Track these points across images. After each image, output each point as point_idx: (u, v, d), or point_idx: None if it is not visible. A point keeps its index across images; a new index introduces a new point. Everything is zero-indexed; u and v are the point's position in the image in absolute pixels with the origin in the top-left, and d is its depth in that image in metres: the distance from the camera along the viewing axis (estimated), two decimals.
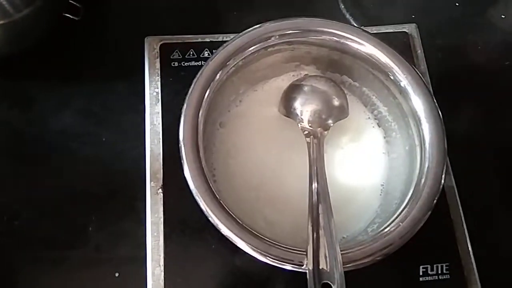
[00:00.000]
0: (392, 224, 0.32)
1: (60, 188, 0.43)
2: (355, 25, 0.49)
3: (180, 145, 0.34)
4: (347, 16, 0.49)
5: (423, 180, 0.33)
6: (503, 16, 0.55)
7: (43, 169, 0.44)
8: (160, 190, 0.40)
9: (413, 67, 0.36)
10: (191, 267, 0.38)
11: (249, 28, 0.38)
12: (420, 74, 0.36)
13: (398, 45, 0.46)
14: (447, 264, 0.39)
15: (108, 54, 0.48)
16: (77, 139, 0.45)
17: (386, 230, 0.32)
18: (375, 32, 0.46)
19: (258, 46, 0.37)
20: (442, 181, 0.34)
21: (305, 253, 0.31)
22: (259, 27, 0.37)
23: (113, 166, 0.44)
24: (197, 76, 0.35)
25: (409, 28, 0.47)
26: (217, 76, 0.35)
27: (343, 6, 0.50)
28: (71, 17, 0.45)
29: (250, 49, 0.36)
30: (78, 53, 0.48)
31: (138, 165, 0.42)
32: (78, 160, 0.44)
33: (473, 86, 0.50)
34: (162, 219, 0.39)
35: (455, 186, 0.42)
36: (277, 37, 0.37)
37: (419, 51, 0.46)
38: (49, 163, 0.44)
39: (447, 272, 0.38)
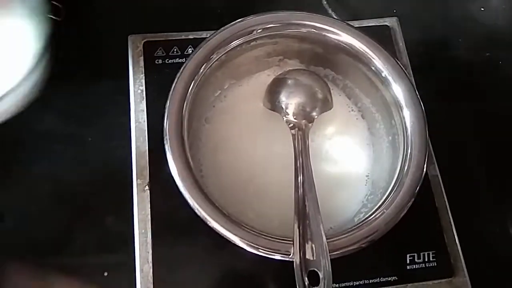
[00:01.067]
0: (376, 212, 0.33)
1: (45, 190, 0.43)
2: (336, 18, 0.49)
3: (164, 140, 0.34)
4: (330, 11, 0.50)
5: (406, 168, 0.34)
6: (482, 9, 0.56)
7: (27, 172, 0.43)
8: (147, 187, 0.40)
9: (392, 57, 0.37)
10: (179, 263, 0.38)
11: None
12: (399, 63, 0.37)
13: (380, 39, 0.46)
14: (433, 252, 0.39)
15: (92, 54, 0.47)
16: (61, 140, 0.44)
17: (370, 217, 0.33)
18: (356, 26, 0.46)
19: (240, 40, 0.37)
20: (425, 168, 0.34)
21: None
22: (241, 21, 0.37)
23: (99, 166, 0.44)
24: (180, 71, 0.35)
25: (390, 22, 0.48)
26: (201, 71, 0.36)
27: (325, 2, 0.50)
28: (53, 17, 0.45)
29: (233, 43, 0.37)
30: (61, 54, 0.48)
31: (125, 163, 0.42)
32: (63, 161, 0.44)
33: (455, 78, 0.51)
34: (149, 216, 0.39)
35: (439, 175, 0.42)
36: (259, 30, 0.37)
37: (401, 44, 0.47)
38: (33, 166, 0.44)
39: (434, 260, 0.39)
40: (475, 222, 0.44)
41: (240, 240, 0.32)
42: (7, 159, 0.44)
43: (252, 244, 0.31)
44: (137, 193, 0.40)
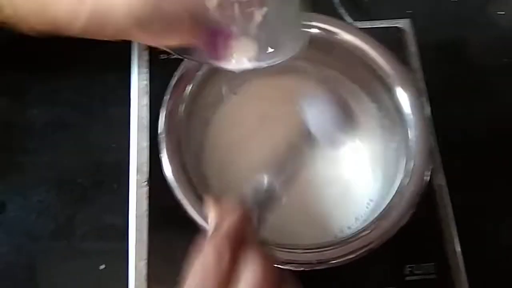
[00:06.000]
0: (374, 223, 0.32)
1: (46, 179, 0.43)
2: (349, 20, 0.48)
3: (159, 138, 0.34)
4: (341, 10, 0.49)
5: (407, 179, 0.33)
6: (502, 13, 0.54)
7: (30, 161, 0.44)
8: (146, 183, 0.39)
9: (398, 61, 0.36)
10: (175, 261, 0.37)
11: None
12: (405, 68, 0.35)
13: (391, 41, 0.45)
14: (433, 263, 0.38)
15: (98, 46, 0.47)
16: (64, 130, 0.45)
17: (367, 228, 0.32)
18: (368, 27, 0.45)
19: None
20: (426, 180, 0.33)
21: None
22: None
23: (99, 158, 0.44)
24: (180, 67, 0.35)
25: (403, 24, 0.47)
26: (201, 70, 0.35)
27: (337, 1, 0.49)
28: None
29: None
30: (68, 45, 0.47)
31: (125, 157, 0.41)
32: (65, 151, 0.44)
33: (469, 83, 0.50)
34: (147, 213, 0.39)
35: (445, 185, 0.41)
36: None
37: (412, 47, 0.46)
38: (36, 155, 0.44)
39: (434, 272, 0.38)
40: (481, 235, 0.42)
41: None
42: (10, 147, 0.45)
43: None
44: (136, 189, 0.39)
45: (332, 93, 0.35)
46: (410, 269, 0.38)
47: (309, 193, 0.37)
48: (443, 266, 0.38)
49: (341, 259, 0.31)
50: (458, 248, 0.39)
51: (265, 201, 0.29)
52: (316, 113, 0.32)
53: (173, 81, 0.35)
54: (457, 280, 0.38)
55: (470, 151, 0.46)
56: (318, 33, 0.37)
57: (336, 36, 0.37)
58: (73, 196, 0.43)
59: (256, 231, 0.27)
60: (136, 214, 0.39)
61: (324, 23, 0.36)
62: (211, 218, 0.27)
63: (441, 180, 0.41)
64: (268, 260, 0.25)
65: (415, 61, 0.45)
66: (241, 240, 0.25)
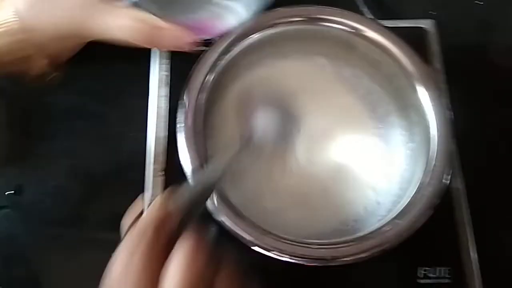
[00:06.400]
0: (390, 222, 0.31)
1: (63, 165, 0.44)
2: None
3: (177, 128, 0.34)
4: (363, 9, 0.48)
5: (427, 180, 0.32)
6: None
7: (49, 146, 0.44)
8: (162, 173, 0.40)
9: (421, 60, 0.35)
10: None
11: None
12: (428, 67, 0.35)
13: (413, 41, 0.44)
14: (448, 268, 0.37)
15: None
16: (82, 118, 0.45)
17: (383, 227, 0.31)
18: (390, 26, 0.45)
19: (262, 33, 0.36)
20: (447, 181, 0.33)
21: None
22: (267, 13, 0.36)
23: (117, 147, 0.44)
24: (200, 58, 0.35)
25: (426, 24, 0.46)
26: (221, 61, 0.35)
27: None
28: None
29: (255, 35, 0.36)
30: None
31: (142, 147, 0.42)
32: (83, 139, 0.45)
33: (492, 87, 0.49)
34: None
35: (464, 189, 0.40)
36: (284, 24, 0.36)
37: (435, 48, 0.45)
38: (54, 141, 0.45)
39: (448, 276, 0.37)
40: (498, 241, 0.42)
41: (248, 237, 0.31)
42: (31, 133, 0.45)
43: (258, 243, 0.31)
44: (152, 178, 0.40)
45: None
46: (424, 272, 0.37)
47: (314, 182, 0.37)
48: (457, 271, 0.38)
49: (355, 257, 0.31)
50: (474, 254, 0.39)
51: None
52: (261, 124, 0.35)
53: (193, 71, 0.35)
54: (471, 286, 0.38)
55: (490, 155, 0.45)
56: (339, 28, 0.37)
57: (358, 32, 0.37)
58: (89, 183, 0.43)
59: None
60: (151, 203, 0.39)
61: (347, 18, 0.36)
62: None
63: (459, 184, 0.40)
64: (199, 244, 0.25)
65: (437, 62, 0.44)
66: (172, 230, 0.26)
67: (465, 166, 0.41)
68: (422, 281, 0.37)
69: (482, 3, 0.53)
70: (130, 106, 0.45)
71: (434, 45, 0.45)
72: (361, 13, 0.48)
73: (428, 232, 0.38)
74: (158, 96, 0.42)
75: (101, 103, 0.46)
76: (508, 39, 0.52)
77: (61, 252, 0.41)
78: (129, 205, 0.41)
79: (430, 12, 0.50)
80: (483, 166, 0.44)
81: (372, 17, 0.48)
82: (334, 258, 0.31)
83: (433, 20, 0.47)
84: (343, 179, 0.38)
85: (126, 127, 0.44)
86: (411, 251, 0.38)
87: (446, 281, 0.37)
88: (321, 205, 0.37)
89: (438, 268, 0.37)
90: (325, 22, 0.36)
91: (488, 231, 0.40)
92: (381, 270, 0.37)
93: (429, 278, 0.37)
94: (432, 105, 0.34)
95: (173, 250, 0.25)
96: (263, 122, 0.37)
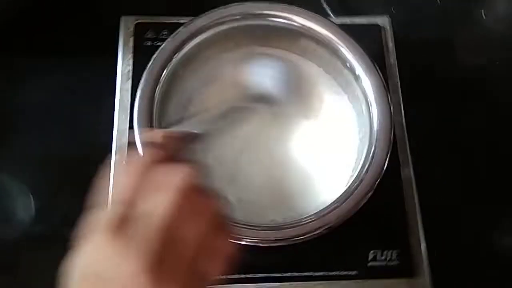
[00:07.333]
0: (331, 205, 0.33)
1: (33, 156, 0.45)
2: (331, 15, 0.50)
3: (134, 120, 0.35)
4: (324, 5, 0.50)
5: (367, 165, 0.34)
6: (484, 14, 0.55)
7: (19, 138, 0.46)
8: (125, 163, 0.41)
9: (366, 53, 0.37)
10: None
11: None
12: (371, 59, 0.37)
13: (370, 37, 0.47)
14: (396, 251, 0.39)
15: (90, 32, 0.49)
16: (54, 111, 0.47)
17: (324, 210, 0.33)
18: (348, 23, 0.47)
19: (215, 29, 0.38)
20: (385, 166, 0.35)
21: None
22: (220, 8, 0.38)
23: (86, 140, 0.46)
24: (156, 53, 0.37)
25: (382, 20, 0.48)
26: (177, 55, 0.37)
27: None
28: None
29: (208, 31, 0.38)
30: (61, 30, 0.50)
31: (108, 138, 0.43)
32: (53, 132, 0.46)
33: (444, 82, 0.51)
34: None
35: (413, 179, 0.42)
36: (234, 20, 0.38)
37: (390, 44, 0.47)
38: (25, 133, 0.46)
39: (396, 259, 0.39)
40: (445, 228, 0.44)
41: None
42: (1, 126, 0.47)
43: None
44: (116, 167, 0.41)
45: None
46: (373, 254, 0.39)
47: (276, 173, 0.39)
48: (405, 254, 0.40)
49: (298, 238, 0.32)
50: (422, 238, 0.41)
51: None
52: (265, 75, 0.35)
53: (149, 65, 0.36)
54: (418, 268, 0.40)
55: (441, 148, 0.47)
56: (287, 23, 0.39)
57: (310, 29, 0.39)
58: (57, 175, 0.44)
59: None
60: (114, 191, 0.40)
61: (295, 14, 0.38)
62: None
63: (409, 174, 0.42)
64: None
65: (391, 57, 0.46)
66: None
67: (416, 159, 0.43)
68: (371, 263, 0.39)
69: (439, 2, 0.55)
70: (100, 99, 0.46)
71: (389, 41, 0.47)
72: (323, 9, 0.50)
73: (380, 218, 0.41)
74: (121, 90, 0.43)
75: (72, 97, 0.47)
76: (464, 35, 0.54)
77: (29, 248, 0.42)
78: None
79: (391, 9, 0.53)
80: (434, 159, 0.46)
81: (332, 14, 0.50)
82: (277, 239, 0.33)
83: (389, 18, 0.49)
84: (297, 169, 0.40)
85: (96, 121, 0.46)
86: (362, 236, 0.40)
87: (394, 263, 0.39)
88: (277, 193, 0.39)
89: (386, 251, 0.39)
90: (274, 17, 0.38)
91: (437, 218, 0.43)
92: (333, 252, 0.39)
93: (378, 260, 0.39)
94: (375, 96, 0.36)
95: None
96: None
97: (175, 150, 0.27)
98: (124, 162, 0.26)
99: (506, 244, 0.45)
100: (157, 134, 0.28)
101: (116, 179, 0.25)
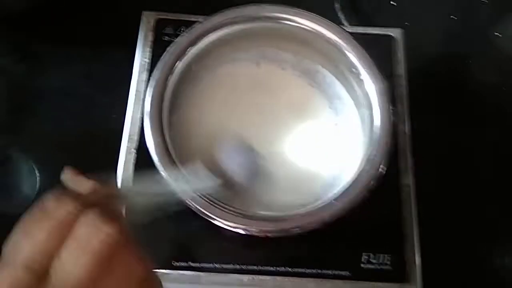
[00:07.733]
0: (327, 203, 0.34)
1: (50, 138, 0.48)
2: (345, 24, 0.51)
3: (144, 110, 0.37)
4: (339, 14, 0.51)
5: (363, 168, 0.35)
6: (499, 35, 0.56)
7: (38, 120, 0.49)
8: (134, 151, 0.43)
9: (370, 56, 0.38)
10: (152, 230, 0.40)
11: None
12: (374, 63, 0.38)
13: (381, 47, 0.48)
14: (389, 255, 0.40)
15: (109, 24, 0.52)
16: (71, 98, 0.49)
17: (320, 206, 0.34)
18: (360, 32, 0.48)
19: (229, 28, 0.40)
20: (380, 170, 0.36)
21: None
22: (233, 9, 0.40)
23: (99, 126, 0.48)
24: (170, 46, 0.39)
25: (395, 33, 0.49)
26: (191, 50, 0.39)
27: (337, 5, 0.52)
28: None
29: (222, 29, 0.40)
30: (83, 20, 0.52)
31: (120, 126, 0.45)
32: (69, 115, 0.49)
33: (453, 96, 0.52)
34: (132, 178, 0.42)
35: (413, 186, 0.43)
36: (247, 21, 0.40)
37: (400, 55, 0.48)
38: (44, 115, 0.49)
39: (389, 263, 0.40)
40: (441, 237, 0.44)
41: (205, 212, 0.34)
42: (22, 108, 0.49)
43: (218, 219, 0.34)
44: (125, 154, 0.43)
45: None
46: (366, 256, 0.40)
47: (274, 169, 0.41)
48: (398, 259, 0.40)
49: (292, 231, 0.34)
50: (416, 245, 0.41)
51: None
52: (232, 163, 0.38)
53: (163, 57, 0.38)
54: (410, 274, 0.40)
55: (445, 160, 0.48)
56: (299, 27, 0.40)
57: (318, 33, 0.40)
58: (66, 157, 0.46)
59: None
60: (122, 177, 0.42)
61: (307, 18, 0.39)
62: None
63: (408, 180, 0.43)
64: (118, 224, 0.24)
65: (400, 68, 0.47)
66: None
67: (419, 168, 0.44)
68: (364, 265, 0.40)
69: (456, 18, 0.56)
70: (116, 89, 0.48)
71: (400, 53, 0.48)
72: (338, 19, 0.52)
73: (377, 222, 0.41)
74: (138, 81, 0.45)
75: (89, 85, 0.50)
76: (478, 53, 0.55)
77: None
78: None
79: (405, 23, 0.54)
80: (434, 167, 0.47)
81: (347, 23, 0.51)
82: (270, 231, 0.34)
83: (402, 30, 0.50)
84: (300, 167, 0.42)
85: (111, 109, 0.48)
86: (357, 238, 0.41)
87: (387, 267, 0.40)
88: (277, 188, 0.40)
89: (379, 254, 0.40)
90: (287, 21, 0.40)
91: (433, 227, 0.43)
92: (327, 251, 0.40)
93: (371, 263, 0.40)
94: (378, 102, 0.37)
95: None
96: None
97: (102, 200, 0.27)
98: (42, 208, 0.24)
99: (503, 260, 0.46)
100: (86, 185, 0.27)
101: (32, 230, 0.23)
